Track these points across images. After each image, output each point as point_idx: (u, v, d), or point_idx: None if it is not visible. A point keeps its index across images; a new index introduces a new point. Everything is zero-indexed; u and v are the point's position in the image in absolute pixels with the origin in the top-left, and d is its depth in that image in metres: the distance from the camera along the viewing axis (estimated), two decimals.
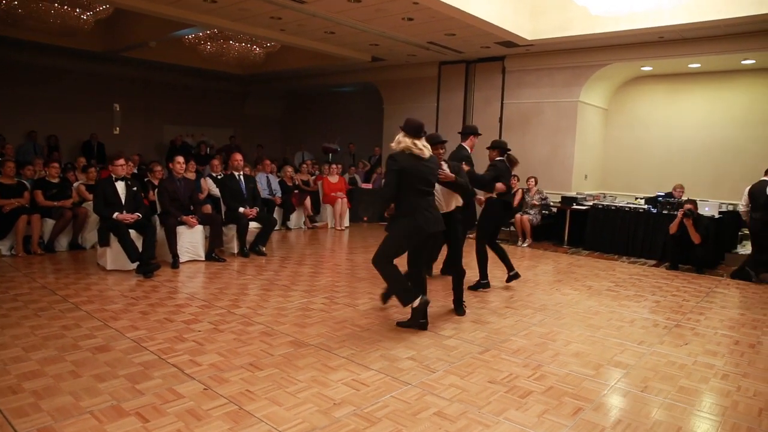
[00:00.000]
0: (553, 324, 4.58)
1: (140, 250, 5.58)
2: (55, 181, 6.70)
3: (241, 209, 6.72)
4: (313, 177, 10.61)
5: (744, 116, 9.25)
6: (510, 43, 9.24)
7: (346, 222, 9.84)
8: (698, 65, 9.10)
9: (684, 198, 8.09)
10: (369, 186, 11.15)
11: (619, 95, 10.63)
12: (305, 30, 9.05)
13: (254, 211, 6.82)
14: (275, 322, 4.27)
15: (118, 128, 12.23)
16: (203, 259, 6.37)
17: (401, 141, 4.11)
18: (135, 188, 5.91)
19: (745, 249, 8.63)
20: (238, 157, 6.88)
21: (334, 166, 10.10)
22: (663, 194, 8.30)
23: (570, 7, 8.33)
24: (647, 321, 4.80)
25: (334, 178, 10.00)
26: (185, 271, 5.93)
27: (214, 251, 6.42)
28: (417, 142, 4.08)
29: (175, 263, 5.95)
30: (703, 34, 8.05)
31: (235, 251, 6.77)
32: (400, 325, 4.29)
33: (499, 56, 10.56)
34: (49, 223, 6.48)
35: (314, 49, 10.28)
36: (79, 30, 8.57)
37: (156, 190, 6.30)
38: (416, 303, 4.10)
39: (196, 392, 2.99)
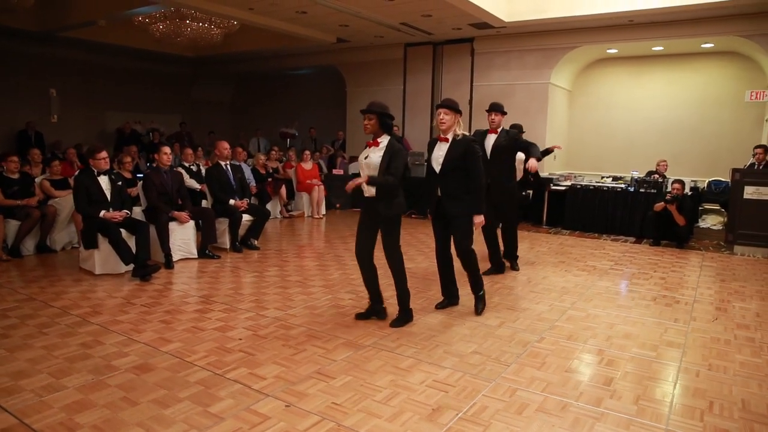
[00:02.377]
0: (585, 307, 4.60)
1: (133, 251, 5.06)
2: (15, 176, 5.92)
3: (232, 201, 6.27)
4: (282, 164, 10.17)
5: (700, 97, 9.78)
6: (485, 24, 9.19)
7: (323, 210, 9.51)
8: (661, 48, 9.49)
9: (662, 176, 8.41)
10: (340, 172, 10.83)
11: (583, 77, 10.91)
12: (277, 9, 8.54)
13: (245, 202, 6.38)
14: (314, 323, 3.99)
15: (56, 116, 11.11)
16: (196, 256, 5.90)
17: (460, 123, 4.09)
18: (120, 183, 5.33)
19: (706, 222, 9.19)
20: (225, 145, 6.39)
21: (307, 152, 9.71)
22: (638, 173, 8.61)
23: None
24: (667, 299, 4.93)
25: (307, 165, 9.61)
26: (182, 270, 5.46)
27: (208, 247, 5.95)
28: None
29: (170, 263, 5.46)
30: (671, 18, 8.37)
31: (227, 246, 6.32)
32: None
33: (468, 38, 10.51)
34: (13, 224, 5.72)
35: (279, 30, 9.76)
36: (18, 6, 7.62)
37: (141, 183, 5.71)
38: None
39: (279, 410, 2.70)
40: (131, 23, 9.73)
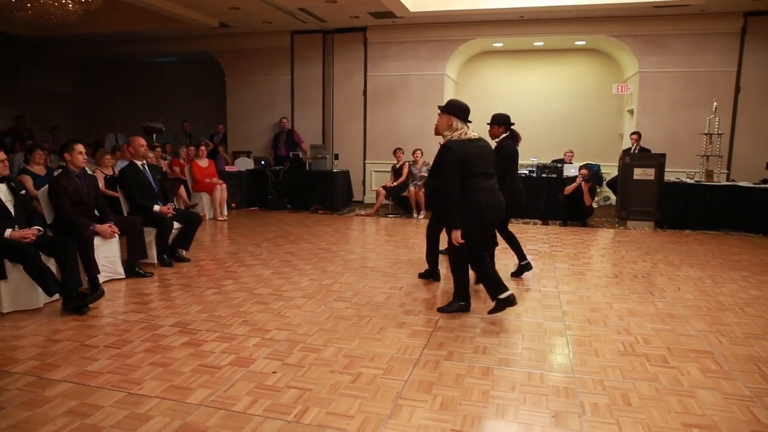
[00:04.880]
0: (570, 290, 4.75)
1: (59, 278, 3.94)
2: None
3: (157, 207, 5.26)
4: (167, 162, 8.95)
5: (572, 89, 10.86)
6: (387, 13, 9.05)
7: (226, 211, 8.57)
8: (542, 43, 10.30)
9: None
10: (234, 168, 9.87)
11: (467, 69, 11.39)
12: None
13: (170, 207, 5.41)
14: (338, 340, 3.49)
15: None
16: (124, 276, 4.84)
17: (457, 127, 3.82)
18: (23, 191, 4.12)
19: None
20: (142, 141, 5.31)
21: (202, 148, 8.65)
22: (537, 160, 9.27)
23: None
24: (625, 274, 5.34)
25: (203, 162, 8.58)
26: (117, 295, 4.41)
27: (137, 264, 4.93)
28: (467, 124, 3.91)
29: (98, 287, 4.37)
30: (555, 15, 9.10)
31: (154, 261, 5.30)
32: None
33: (360, 27, 10.28)
34: None
35: (157, 9, 8.50)
36: None
37: (48, 190, 4.46)
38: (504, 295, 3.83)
39: None
40: None
